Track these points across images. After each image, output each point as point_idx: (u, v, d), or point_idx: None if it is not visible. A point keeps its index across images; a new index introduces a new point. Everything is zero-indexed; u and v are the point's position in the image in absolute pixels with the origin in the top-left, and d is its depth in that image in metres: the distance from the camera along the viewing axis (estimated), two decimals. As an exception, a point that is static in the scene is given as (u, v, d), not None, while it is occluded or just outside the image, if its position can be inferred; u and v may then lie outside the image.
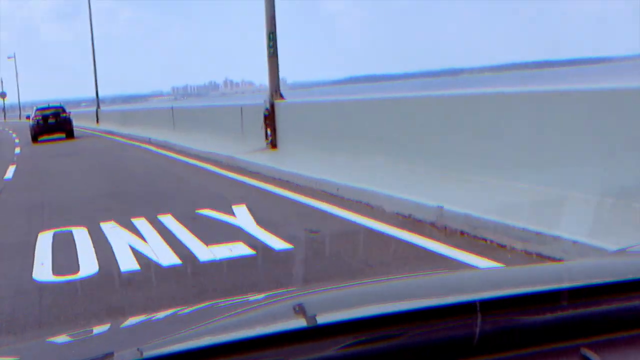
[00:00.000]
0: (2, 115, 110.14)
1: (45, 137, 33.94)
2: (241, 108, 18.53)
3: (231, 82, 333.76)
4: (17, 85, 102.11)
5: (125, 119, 36.79)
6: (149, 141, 25.21)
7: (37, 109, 35.43)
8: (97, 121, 45.51)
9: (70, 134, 34.21)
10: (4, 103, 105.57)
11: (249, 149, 15.83)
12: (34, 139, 33.71)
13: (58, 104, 36.54)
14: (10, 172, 17.73)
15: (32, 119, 34.76)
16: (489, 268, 5.37)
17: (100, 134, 36.00)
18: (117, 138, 30.26)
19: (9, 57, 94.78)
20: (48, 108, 35.19)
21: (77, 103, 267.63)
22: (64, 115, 34.61)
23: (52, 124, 33.99)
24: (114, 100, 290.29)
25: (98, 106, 47.19)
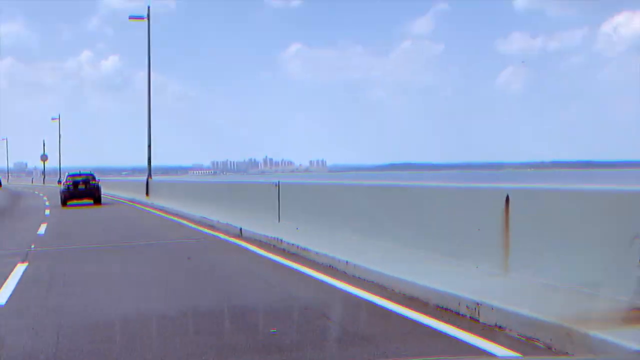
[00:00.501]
0: (42, 179, 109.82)
1: (74, 201, 35.96)
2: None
3: (271, 160, 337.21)
4: (59, 149, 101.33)
5: (187, 195, 28.64)
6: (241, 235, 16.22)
7: (69, 175, 37.60)
8: (147, 193, 37.71)
9: (97, 200, 36.09)
10: (44, 166, 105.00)
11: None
12: (63, 203, 35.59)
13: (88, 172, 38.49)
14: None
15: (63, 184, 36.86)
16: (506, 357, 5.78)
17: (156, 213, 27.23)
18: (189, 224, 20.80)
19: (53, 119, 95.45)
20: (79, 175, 37.07)
21: (118, 171, 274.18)
22: (94, 182, 36.39)
23: (82, 190, 35.83)
24: (154, 171, 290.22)
25: (150, 175, 38.80)
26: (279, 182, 16.68)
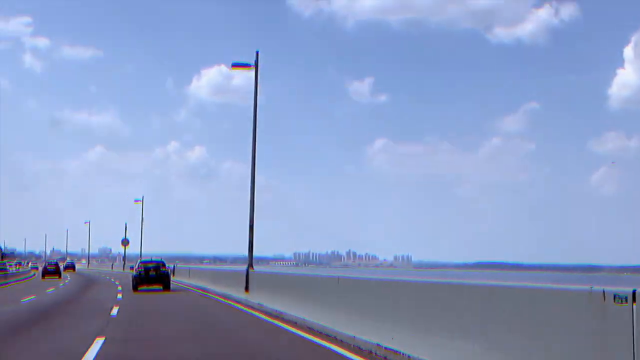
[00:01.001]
0: (122, 264, 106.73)
1: (145, 287, 36.76)
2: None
3: (354, 254, 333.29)
4: (141, 231, 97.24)
5: (327, 299, 17.58)
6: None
7: (141, 262, 38.98)
8: (247, 288, 28.57)
9: (167, 287, 36.85)
10: (125, 251, 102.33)
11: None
12: (134, 288, 36.56)
13: (159, 259, 39.23)
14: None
15: (135, 270, 37.81)
16: None
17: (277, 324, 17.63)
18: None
19: (136, 201, 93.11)
20: (150, 262, 38.25)
21: (199, 259, 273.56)
22: (164, 269, 37.45)
23: (152, 276, 36.71)
24: (235, 260, 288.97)
25: (251, 265, 29.48)
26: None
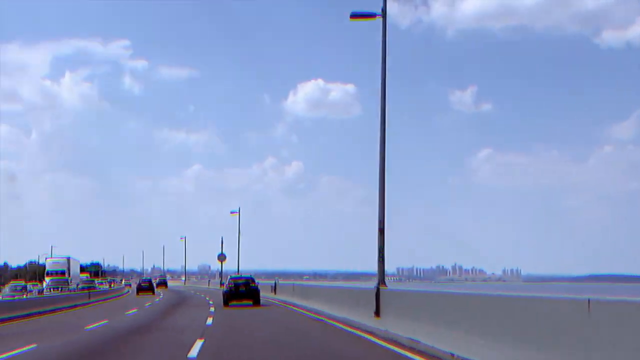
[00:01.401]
0: (219, 281, 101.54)
1: (235, 302, 37.30)
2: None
3: (460, 268, 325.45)
4: (238, 245, 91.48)
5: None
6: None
7: (231, 278, 40.11)
8: (377, 312, 21.08)
9: (257, 302, 37.48)
10: (222, 267, 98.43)
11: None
12: (225, 303, 37.40)
13: (249, 275, 41.61)
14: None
15: (226, 286, 38.75)
16: None
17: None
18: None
19: (232, 212, 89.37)
20: (240, 278, 39.96)
21: (299, 275, 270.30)
22: (253, 285, 38.12)
23: (243, 292, 37.43)
24: (335, 276, 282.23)
25: (382, 282, 21.96)
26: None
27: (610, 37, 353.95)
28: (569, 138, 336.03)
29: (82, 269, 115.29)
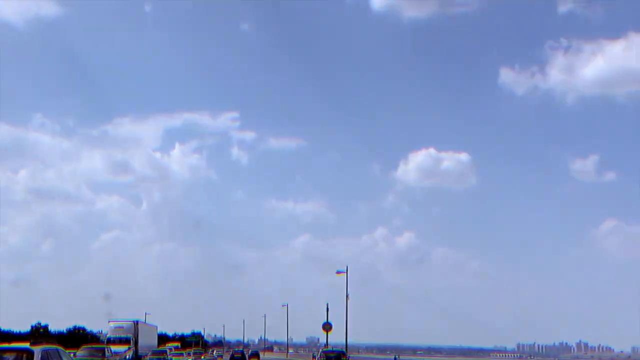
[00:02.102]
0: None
1: None
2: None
3: (586, 345, 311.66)
4: (346, 312, 76.48)
5: None
6: None
7: (322, 352, 44.66)
8: None
9: None
10: (327, 337, 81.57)
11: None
12: None
13: (340, 349, 46.92)
14: None
15: (318, 359, 42.93)
16: None
17: None
18: None
19: (338, 272, 72.90)
20: (332, 352, 43.88)
21: (413, 350, 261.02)
22: (344, 358, 41.80)
23: None
24: (451, 352, 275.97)
25: None
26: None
27: None
28: None
29: (182, 339, 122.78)
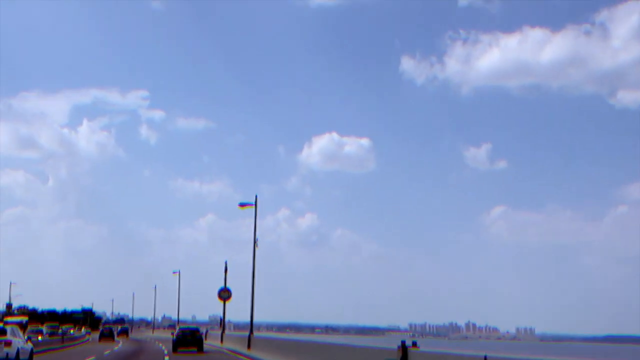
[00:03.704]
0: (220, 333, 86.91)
1: (183, 349, 44.01)
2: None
3: (474, 325, 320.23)
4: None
5: None
6: None
7: (180, 329, 47.73)
8: None
9: (200, 349, 44.00)
10: (224, 307, 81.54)
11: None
12: (174, 349, 44.00)
13: (195, 326, 51.60)
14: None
15: (176, 335, 46.03)
16: None
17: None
18: None
19: (173, 272, 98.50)
20: (187, 328, 47.81)
21: (311, 328, 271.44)
22: (198, 335, 45.33)
23: (189, 340, 44.54)
24: (347, 330, 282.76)
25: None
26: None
27: (626, 97, 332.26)
28: (583, 198, 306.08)
29: (66, 315, 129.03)
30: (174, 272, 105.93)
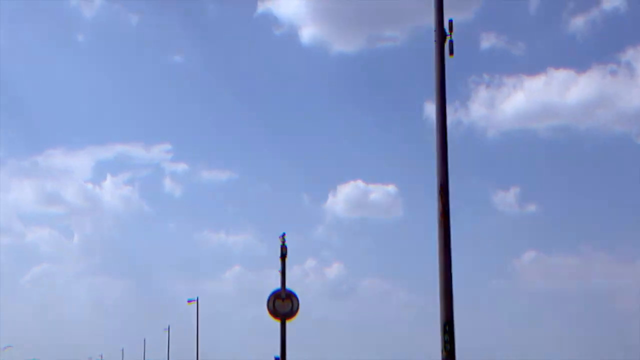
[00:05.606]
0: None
1: None
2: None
3: None
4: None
5: None
6: None
7: None
8: None
9: None
10: None
11: None
12: None
13: None
14: None
15: None
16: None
17: None
18: None
19: (189, 301, 72.79)
20: None
21: None
22: None
23: None
24: None
25: None
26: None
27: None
28: (617, 239, 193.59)
29: None
30: (189, 301, 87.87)
